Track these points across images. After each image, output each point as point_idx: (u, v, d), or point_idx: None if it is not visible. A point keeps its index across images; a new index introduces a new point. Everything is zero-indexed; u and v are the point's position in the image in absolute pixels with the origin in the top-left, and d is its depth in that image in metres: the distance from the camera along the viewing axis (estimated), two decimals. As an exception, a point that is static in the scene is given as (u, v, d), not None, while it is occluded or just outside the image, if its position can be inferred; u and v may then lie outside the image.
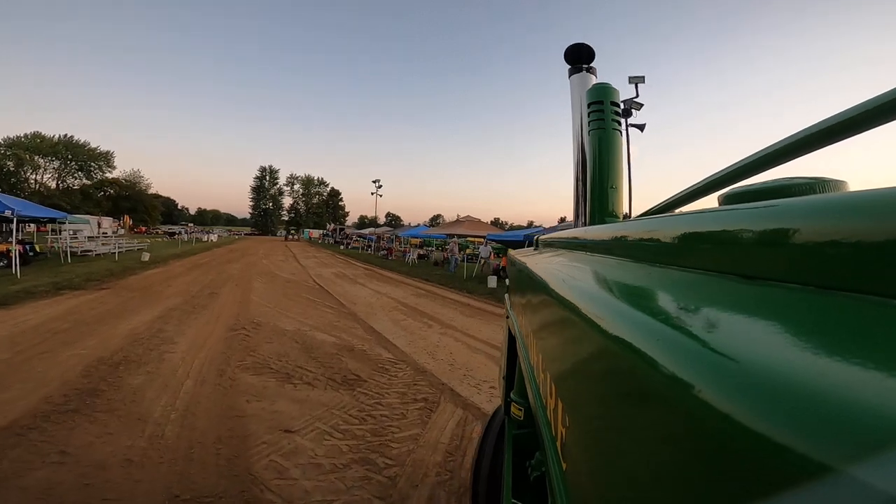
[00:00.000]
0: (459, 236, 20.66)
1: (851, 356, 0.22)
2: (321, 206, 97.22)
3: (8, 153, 55.40)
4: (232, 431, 3.27)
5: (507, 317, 1.85)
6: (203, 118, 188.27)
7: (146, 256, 18.35)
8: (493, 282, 12.84)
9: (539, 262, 1.23)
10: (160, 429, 3.27)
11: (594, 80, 1.66)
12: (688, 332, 0.33)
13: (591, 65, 1.69)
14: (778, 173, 0.58)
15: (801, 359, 0.23)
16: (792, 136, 0.47)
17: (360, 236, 37.42)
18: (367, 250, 32.19)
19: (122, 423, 3.34)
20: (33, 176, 60.90)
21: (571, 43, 1.71)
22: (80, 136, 76.83)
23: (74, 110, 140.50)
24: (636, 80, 11.44)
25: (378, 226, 49.76)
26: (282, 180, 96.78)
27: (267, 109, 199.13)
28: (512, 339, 1.69)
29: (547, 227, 15.17)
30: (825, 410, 0.19)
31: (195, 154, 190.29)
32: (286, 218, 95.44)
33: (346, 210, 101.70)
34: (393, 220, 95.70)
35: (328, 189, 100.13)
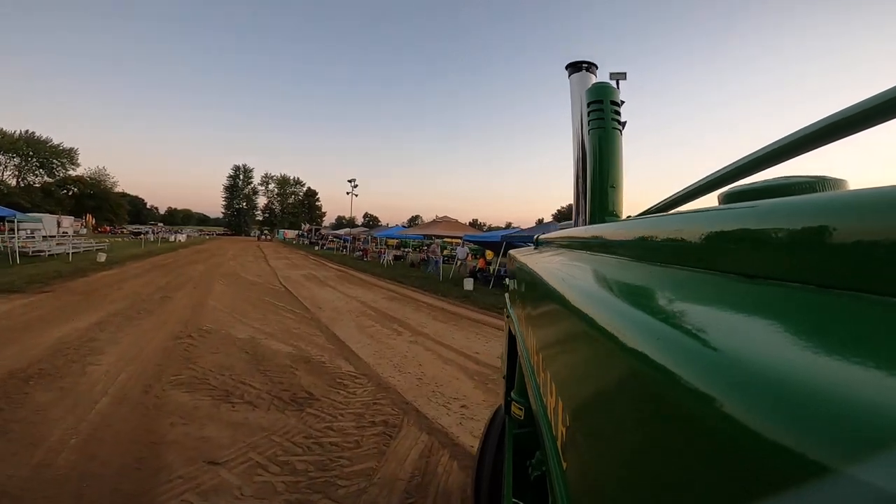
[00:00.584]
0: (436, 237, 20.18)
1: (851, 355, 0.22)
2: (297, 207, 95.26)
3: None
4: (142, 462, 2.72)
5: (508, 316, 1.85)
6: (174, 115, 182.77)
7: (102, 257, 17.39)
8: (469, 284, 12.39)
9: (539, 262, 1.23)
10: (52, 456, 2.71)
11: (594, 80, 1.64)
12: (688, 331, 0.33)
13: (591, 65, 1.67)
14: (778, 172, 0.58)
15: (800, 358, 0.23)
16: (791, 134, 0.46)
17: (335, 237, 36.52)
18: (342, 251, 31.40)
19: (9, 448, 2.78)
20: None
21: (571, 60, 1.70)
22: (43, 132, 73.02)
23: (35, 105, 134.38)
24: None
25: (356, 226, 48.88)
26: (256, 179, 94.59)
27: (243, 108, 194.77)
28: (512, 339, 1.68)
29: (524, 227, 14.84)
30: (825, 410, 0.19)
31: (166, 153, 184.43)
32: (261, 218, 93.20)
33: (323, 210, 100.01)
34: (371, 221, 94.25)
35: (304, 189, 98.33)
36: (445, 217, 21.76)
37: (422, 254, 22.36)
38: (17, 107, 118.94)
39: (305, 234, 52.21)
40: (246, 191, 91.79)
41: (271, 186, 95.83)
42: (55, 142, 63.84)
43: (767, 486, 0.19)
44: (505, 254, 14.54)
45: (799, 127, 0.46)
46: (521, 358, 1.32)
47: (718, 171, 0.63)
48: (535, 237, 1.94)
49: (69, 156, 65.39)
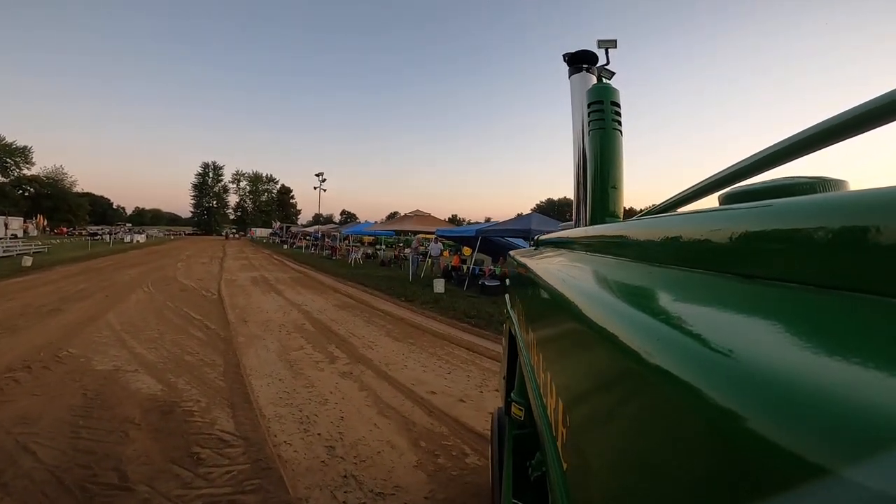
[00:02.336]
0: (408, 233, 18.52)
1: (852, 356, 0.22)
2: (270, 204, 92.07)
3: None
4: None
5: (508, 316, 1.86)
6: (143, 112, 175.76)
7: (29, 261, 15.38)
8: (440, 286, 10.75)
9: (539, 262, 1.24)
10: None
11: (594, 80, 1.62)
12: (688, 331, 0.33)
13: (591, 65, 1.64)
14: (779, 173, 0.58)
15: (801, 358, 0.23)
16: (793, 136, 0.46)
17: (304, 235, 34.44)
18: (310, 249, 29.40)
19: None
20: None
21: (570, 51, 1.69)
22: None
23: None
24: (607, 45, 9.64)
25: (334, 224, 46.79)
26: (227, 177, 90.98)
27: (216, 104, 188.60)
28: (512, 339, 1.67)
29: (501, 220, 13.32)
30: (825, 410, 0.19)
31: (133, 151, 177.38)
32: (233, 217, 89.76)
33: (299, 208, 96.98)
34: (348, 218, 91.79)
35: (278, 186, 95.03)
36: (418, 211, 20.10)
37: (395, 251, 20.78)
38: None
39: (277, 232, 49.89)
40: (216, 189, 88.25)
41: (243, 184, 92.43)
42: (7, 140, 59.63)
43: (767, 487, 0.19)
44: (481, 250, 13.09)
45: (800, 129, 0.45)
46: (521, 358, 1.33)
47: (719, 172, 0.63)
48: (536, 238, 1.96)
49: (23, 154, 61.11)
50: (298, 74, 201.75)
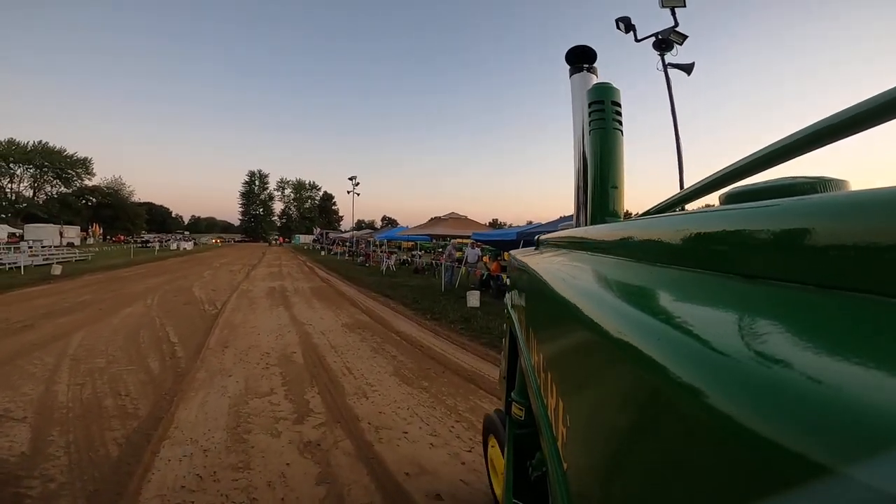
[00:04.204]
0: (444, 237, 17.01)
1: (852, 356, 0.22)
2: (313, 211, 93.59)
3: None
4: None
5: (508, 316, 1.85)
6: (194, 124, 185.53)
7: (57, 270, 15.29)
8: (474, 299, 9.12)
9: (540, 262, 1.24)
10: None
11: (595, 80, 1.61)
12: (688, 331, 0.33)
13: (592, 65, 1.63)
14: (779, 172, 0.58)
15: (801, 358, 0.23)
16: (793, 134, 0.46)
17: (341, 240, 33.75)
18: (346, 255, 28.49)
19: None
20: (9, 185, 57.59)
21: (573, 45, 1.65)
22: (56, 142, 73.14)
23: (48, 115, 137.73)
24: (672, 4, 7.78)
25: (375, 229, 46.27)
26: (272, 185, 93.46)
27: (261, 114, 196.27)
28: (513, 339, 1.67)
29: (544, 223, 11.51)
30: (825, 410, 0.19)
31: (191, 163, 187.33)
32: (279, 224, 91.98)
33: (341, 214, 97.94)
34: (388, 224, 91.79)
35: (321, 193, 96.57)
36: (453, 214, 18.53)
37: (431, 257, 19.34)
38: (30, 117, 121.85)
39: (318, 238, 49.96)
40: (262, 196, 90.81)
41: (287, 191, 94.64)
42: (69, 151, 63.54)
43: (768, 486, 0.19)
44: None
45: (800, 127, 0.45)
46: (521, 358, 1.33)
47: (719, 171, 0.62)
48: (536, 238, 1.93)
49: (84, 165, 65.00)
50: (343, 77, 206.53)
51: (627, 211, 1.53)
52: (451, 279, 12.93)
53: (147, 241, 44.74)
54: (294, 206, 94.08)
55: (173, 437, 3.12)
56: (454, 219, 17.87)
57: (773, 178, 0.62)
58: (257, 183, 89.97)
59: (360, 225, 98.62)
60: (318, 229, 60.61)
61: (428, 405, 3.84)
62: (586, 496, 0.50)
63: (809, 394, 0.20)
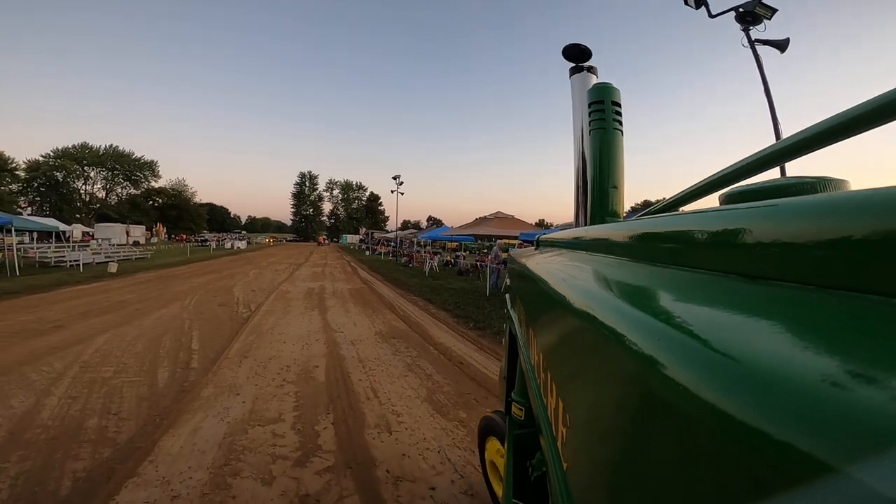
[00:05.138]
0: (489, 238, 16.14)
1: (852, 356, 0.22)
2: (360, 211, 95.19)
3: (57, 164, 56.62)
4: None
5: (508, 316, 1.85)
6: (251, 127, 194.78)
7: (113, 268, 15.80)
8: (520, 305, 8.25)
9: (540, 262, 1.23)
10: None
11: (595, 80, 1.60)
12: (688, 331, 0.33)
13: (592, 64, 1.63)
14: (779, 173, 0.62)
15: (801, 358, 0.23)
16: (793, 135, 0.46)
17: (385, 241, 33.61)
18: (390, 256, 28.20)
19: None
20: (83, 186, 62.39)
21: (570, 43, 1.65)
22: (125, 146, 78.63)
23: (115, 120, 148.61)
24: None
25: (420, 230, 46.13)
26: (321, 186, 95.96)
27: (313, 115, 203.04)
28: (513, 339, 1.67)
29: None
30: (825, 410, 0.19)
31: (248, 165, 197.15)
32: (328, 224, 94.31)
33: (387, 214, 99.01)
34: (434, 224, 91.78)
35: (367, 194, 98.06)
36: (499, 213, 17.62)
37: (475, 259, 18.52)
38: (101, 124, 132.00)
39: (364, 238, 50.51)
40: (312, 197, 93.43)
41: (335, 192, 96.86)
42: (137, 154, 67.86)
43: (768, 486, 0.19)
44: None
45: (801, 128, 0.45)
46: (521, 358, 1.33)
47: (720, 171, 0.62)
48: (537, 237, 1.93)
49: (151, 168, 69.29)
50: (390, 77, 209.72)
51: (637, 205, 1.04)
52: (496, 282, 12.04)
53: (205, 240, 46.84)
54: (342, 207, 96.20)
55: (143, 474, 2.53)
56: (500, 218, 16.97)
57: (773, 178, 0.62)
58: (307, 184, 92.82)
59: (405, 225, 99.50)
60: (364, 229, 61.36)
61: (465, 447, 3.05)
62: (586, 496, 0.49)
63: (809, 394, 0.20)
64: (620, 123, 1.48)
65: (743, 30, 8.08)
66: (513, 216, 17.66)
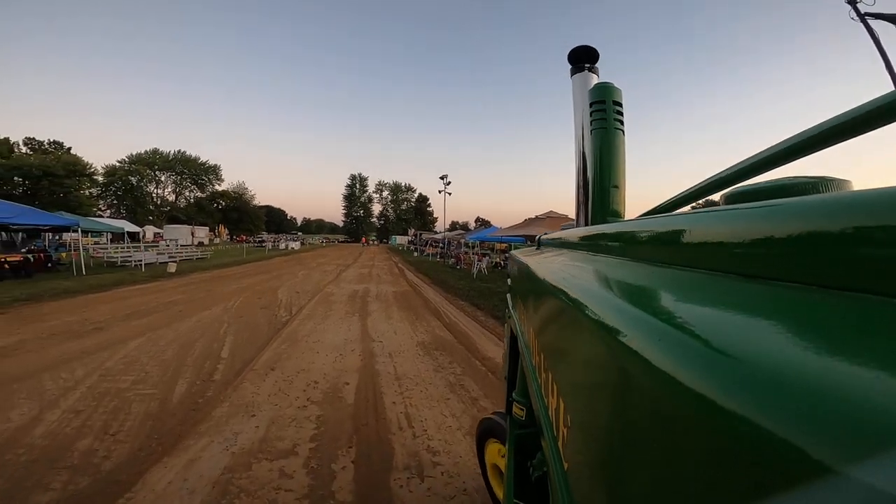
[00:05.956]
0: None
1: (854, 356, 0.22)
2: (409, 212, 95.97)
3: (131, 168, 61.17)
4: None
5: (509, 316, 1.85)
6: (307, 131, 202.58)
7: (172, 268, 16.29)
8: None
9: (541, 262, 1.23)
10: None
11: (596, 80, 1.60)
12: (689, 331, 0.33)
13: (594, 65, 1.62)
14: (781, 174, 0.58)
15: (802, 359, 0.24)
16: (795, 136, 0.46)
17: (434, 242, 33.24)
18: (437, 257, 27.78)
19: None
20: (155, 190, 67.05)
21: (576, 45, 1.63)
22: (192, 151, 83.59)
23: (181, 125, 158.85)
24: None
25: (468, 230, 45.60)
26: (371, 188, 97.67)
27: (365, 118, 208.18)
28: (514, 339, 1.69)
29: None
30: (826, 410, 0.19)
31: (304, 168, 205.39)
32: (378, 225, 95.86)
33: (435, 216, 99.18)
34: (482, 225, 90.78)
35: (416, 195, 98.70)
36: (551, 213, 16.60)
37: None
38: (170, 130, 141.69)
39: (412, 239, 50.66)
40: (362, 199, 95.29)
41: (385, 193, 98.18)
42: (203, 159, 72.00)
43: (768, 486, 0.19)
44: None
45: (802, 129, 0.45)
46: (522, 358, 1.32)
47: (721, 172, 0.62)
48: (537, 237, 1.95)
49: (214, 172, 73.31)
50: (438, 77, 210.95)
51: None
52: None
53: (262, 241, 48.72)
54: (391, 208, 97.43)
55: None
56: (552, 218, 15.96)
57: (774, 177, 0.60)
58: (358, 186, 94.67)
59: (453, 226, 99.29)
60: (413, 230, 61.60)
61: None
62: (587, 496, 0.50)
63: (810, 394, 0.20)
64: (622, 123, 1.47)
65: (849, 2, 7.38)
66: (566, 216, 16.60)
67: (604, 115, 1.46)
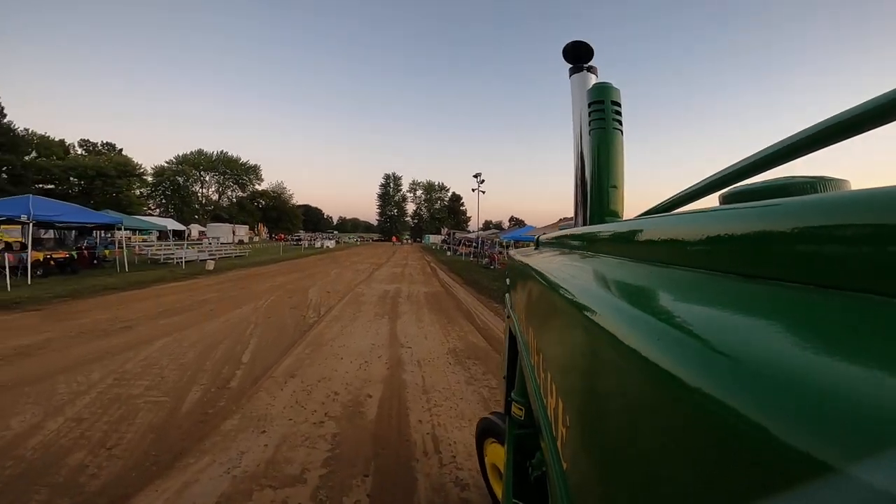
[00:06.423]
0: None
1: (852, 356, 0.22)
2: (442, 212, 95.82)
3: (178, 169, 63.85)
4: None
5: (508, 316, 1.86)
6: (343, 131, 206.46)
7: (211, 265, 16.58)
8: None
9: (539, 262, 1.22)
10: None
11: (595, 80, 1.60)
12: (688, 331, 0.33)
13: (592, 64, 1.62)
14: (779, 173, 0.57)
15: (801, 358, 0.24)
16: (794, 136, 0.46)
17: (466, 241, 32.77)
18: (470, 256, 27.28)
19: None
20: (200, 189, 69.76)
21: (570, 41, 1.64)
22: (233, 151, 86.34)
23: (223, 126, 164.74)
24: None
25: (502, 230, 44.97)
26: (405, 187, 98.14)
27: (399, 117, 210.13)
28: (513, 339, 1.69)
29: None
30: (825, 410, 0.19)
31: (340, 168, 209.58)
32: (411, 224, 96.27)
33: (469, 215, 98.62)
34: (516, 224, 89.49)
35: (449, 194, 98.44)
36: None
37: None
38: (215, 131, 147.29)
39: (446, 238, 50.38)
40: (396, 198, 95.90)
41: (418, 193, 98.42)
42: (243, 159, 74.18)
43: (768, 486, 0.19)
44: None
45: (801, 129, 0.45)
46: (521, 358, 1.32)
47: (720, 172, 0.62)
48: (536, 237, 1.95)
49: (255, 172, 75.42)
50: (472, 77, 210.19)
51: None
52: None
53: (299, 239, 49.69)
54: (424, 207, 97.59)
55: None
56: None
57: (773, 177, 0.61)
58: (391, 185, 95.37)
59: (486, 225, 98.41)
60: (446, 230, 61.32)
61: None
62: (586, 496, 0.50)
63: (809, 394, 0.20)
64: (620, 123, 1.47)
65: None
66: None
67: (602, 115, 1.45)
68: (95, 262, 15.36)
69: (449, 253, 34.29)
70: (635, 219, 0.91)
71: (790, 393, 0.21)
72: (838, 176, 0.60)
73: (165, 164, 63.74)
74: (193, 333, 5.91)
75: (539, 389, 0.91)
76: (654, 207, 0.91)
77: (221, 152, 70.81)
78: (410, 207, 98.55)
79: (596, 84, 1.54)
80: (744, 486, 0.21)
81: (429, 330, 6.78)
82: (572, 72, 1.62)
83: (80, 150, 56.12)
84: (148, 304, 8.25)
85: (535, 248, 1.83)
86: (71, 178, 46.50)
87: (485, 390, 4.10)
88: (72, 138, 60.38)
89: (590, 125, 1.48)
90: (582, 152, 1.55)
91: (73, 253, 13.54)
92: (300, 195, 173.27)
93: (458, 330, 6.85)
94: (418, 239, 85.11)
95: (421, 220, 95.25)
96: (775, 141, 0.49)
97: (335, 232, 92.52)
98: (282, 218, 78.99)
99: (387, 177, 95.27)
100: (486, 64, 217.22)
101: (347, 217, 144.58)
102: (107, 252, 16.33)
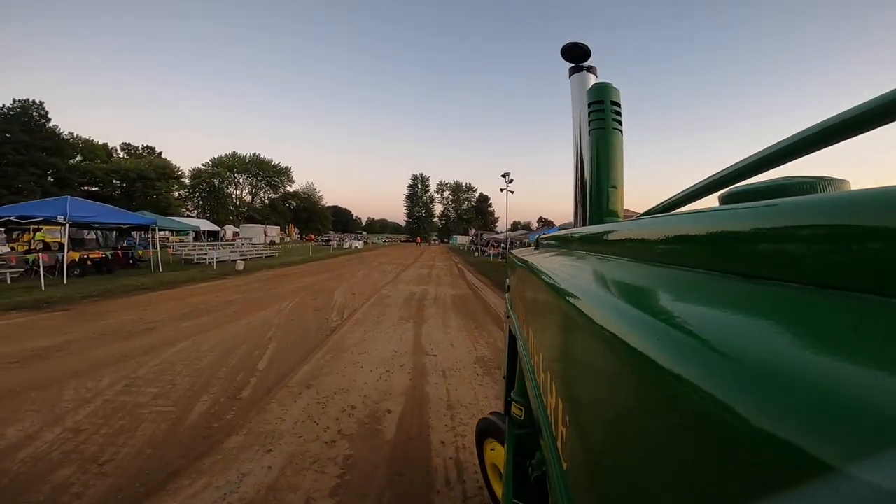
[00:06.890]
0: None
1: (852, 356, 0.22)
2: (470, 212, 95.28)
3: (213, 171, 65.82)
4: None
5: (508, 316, 1.86)
6: (372, 132, 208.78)
7: (241, 266, 16.76)
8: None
9: (539, 262, 1.22)
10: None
11: (594, 80, 1.59)
12: (688, 331, 0.33)
13: (592, 64, 1.62)
14: (779, 172, 0.57)
15: (801, 358, 0.24)
16: (793, 136, 0.45)
17: (494, 242, 32.24)
18: (499, 257, 26.76)
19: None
20: (234, 191, 71.73)
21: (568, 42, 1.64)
22: (265, 154, 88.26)
23: (255, 129, 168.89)
24: None
25: (531, 231, 44.21)
26: (433, 188, 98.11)
27: (428, 118, 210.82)
28: (513, 339, 1.69)
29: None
30: (825, 410, 0.19)
31: (369, 170, 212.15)
32: (439, 225, 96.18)
33: (497, 215, 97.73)
34: (545, 225, 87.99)
35: (476, 195, 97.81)
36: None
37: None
38: (247, 134, 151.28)
39: (474, 239, 49.92)
40: (424, 199, 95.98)
41: (446, 193, 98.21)
42: (275, 161, 75.80)
43: (767, 486, 0.19)
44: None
45: (801, 129, 0.45)
46: (521, 358, 1.33)
47: (720, 172, 0.62)
48: (536, 237, 1.97)
49: (286, 174, 77.01)
50: (504, 77, 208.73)
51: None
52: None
53: (328, 240, 50.30)
54: (452, 208, 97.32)
55: None
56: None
57: (772, 177, 0.60)
58: (419, 186, 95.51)
59: (515, 226, 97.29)
60: (473, 230, 60.82)
61: None
62: (586, 496, 0.50)
63: (809, 394, 0.20)
64: (620, 123, 1.46)
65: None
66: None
67: (602, 115, 1.45)
68: (131, 262, 15.77)
69: (477, 254, 33.85)
70: (635, 219, 0.91)
71: (790, 393, 0.21)
72: (838, 176, 0.58)
73: (202, 167, 65.82)
74: (213, 337, 5.75)
75: (539, 389, 0.91)
76: (654, 207, 0.91)
77: (254, 154, 72.62)
78: (438, 208, 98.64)
79: (596, 84, 1.53)
80: (744, 486, 0.21)
81: (455, 336, 6.41)
82: (572, 72, 1.61)
83: (122, 154, 58.59)
84: (174, 304, 8.23)
85: (535, 249, 1.82)
86: (114, 181, 48.54)
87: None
88: (114, 142, 63.12)
89: (589, 125, 1.47)
90: (581, 152, 1.54)
91: (109, 253, 13.86)
92: (330, 196, 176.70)
93: (486, 336, 6.45)
94: (446, 240, 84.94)
95: (448, 221, 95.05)
96: (775, 141, 0.49)
97: (363, 233, 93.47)
98: (312, 219, 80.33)
99: (414, 178, 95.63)
100: (519, 62, 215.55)
101: (376, 218, 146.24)
102: (140, 252, 16.76)
